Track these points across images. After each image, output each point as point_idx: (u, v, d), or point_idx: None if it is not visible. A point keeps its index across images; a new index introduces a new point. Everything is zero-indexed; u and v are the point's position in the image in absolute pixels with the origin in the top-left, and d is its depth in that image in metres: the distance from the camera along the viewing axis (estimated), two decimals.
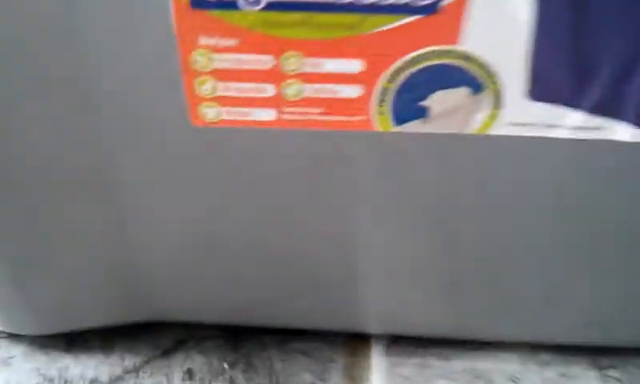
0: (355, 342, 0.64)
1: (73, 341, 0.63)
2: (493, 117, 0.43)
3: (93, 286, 0.58)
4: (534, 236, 0.53)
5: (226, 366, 0.60)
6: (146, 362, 0.60)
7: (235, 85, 0.42)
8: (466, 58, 0.40)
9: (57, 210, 0.52)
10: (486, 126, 0.44)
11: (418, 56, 0.40)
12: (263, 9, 0.38)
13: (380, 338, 0.65)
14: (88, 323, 0.61)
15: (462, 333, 0.63)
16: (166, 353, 0.62)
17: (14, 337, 0.64)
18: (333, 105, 0.43)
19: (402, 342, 0.64)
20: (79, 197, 0.51)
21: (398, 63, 0.41)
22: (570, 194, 0.48)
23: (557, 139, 0.44)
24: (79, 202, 0.51)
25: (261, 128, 0.44)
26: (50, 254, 0.56)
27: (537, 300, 0.58)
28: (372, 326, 0.64)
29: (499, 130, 0.44)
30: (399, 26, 0.39)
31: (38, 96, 0.44)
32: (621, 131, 0.43)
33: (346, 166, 0.49)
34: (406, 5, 0.38)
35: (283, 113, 0.43)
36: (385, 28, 0.39)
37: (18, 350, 0.64)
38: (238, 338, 0.64)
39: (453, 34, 0.39)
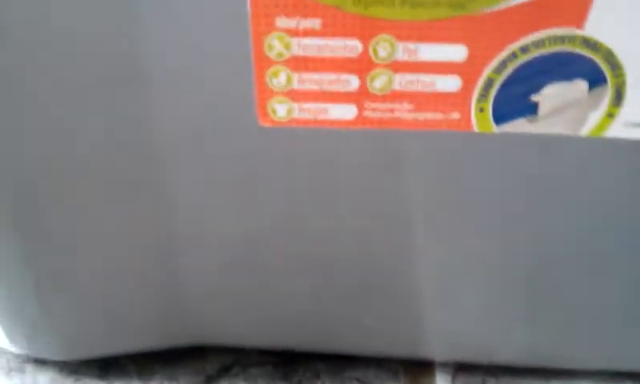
0: (417, 370, 0.59)
1: (107, 366, 0.58)
2: (611, 116, 0.36)
3: (128, 306, 0.53)
4: (616, 253, 0.47)
5: None
6: None
7: (314, 76, 0.35)
8: (591, 45, 0.33)
9: (92, 216, 0.46)
10: (602, 126, 0.37)
11: (535, 41, 0.33)
12: None
13: (445, 365, 0.59)
14: (123, 348, 0.55)
15: (537, 360, 0.57)
16: (210, 380, 0.57)
17: (40, 362, 0.58)
18: (426, 100, 0.36)
19: (469, 370, 0.58)
20: (119, 204, 0.44)
21: (510, 49, 0.34)
22: None
23: None
24: (119, 209, 0.44)
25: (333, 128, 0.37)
26: (80, 270, 0.50)
27: (616, 322, 0.52)
28: (436, 352, 0.58)
29: (617, 131, 0.37)
30: (516, 5, 0.32)
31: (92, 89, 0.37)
32: None
33: (417, 170, 0.43)
34: None
35: (366, 109, 0.36)
36: (498, 7, 0.32)
37: (45, 377, 0.58)
38: (288, 364, 0.58)
39: (579, 15, 0.33)
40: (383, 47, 0.35)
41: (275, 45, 0.35)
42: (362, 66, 0.36)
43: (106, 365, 0.58)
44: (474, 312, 0.52)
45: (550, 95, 0.36)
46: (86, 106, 0.39)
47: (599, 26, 0.34)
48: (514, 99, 0.37)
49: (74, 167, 0.43)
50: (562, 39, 0.34)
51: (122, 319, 0.53)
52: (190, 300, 0.52)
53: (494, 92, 0.36)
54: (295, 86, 0.36)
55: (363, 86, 0.36)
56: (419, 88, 0.36)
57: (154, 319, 0.54)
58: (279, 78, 0.36)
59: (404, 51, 0.35)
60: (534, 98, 0.37)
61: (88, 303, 0.52)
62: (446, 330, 0.54)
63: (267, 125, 0.38)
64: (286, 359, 0.59)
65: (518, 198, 0.43)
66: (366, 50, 0.35)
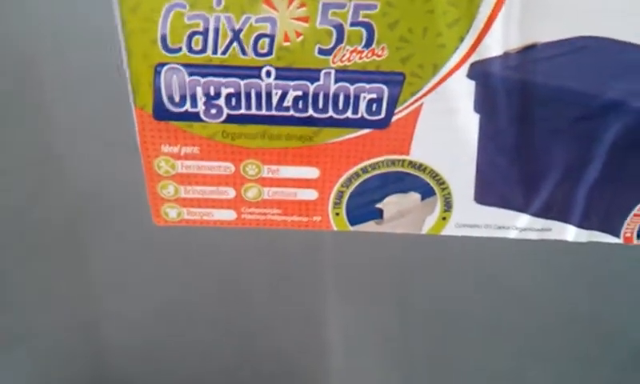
0: None
1: None
2: (443, 219, 0.45)
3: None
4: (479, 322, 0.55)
5: None
6: None
7: (197, 188, 0.44)
8: (417, 166, 0.43)
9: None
10: (438, 227, 0.46)
11: (371, 164, 0.42)
12: (223, 121, 0.40)
13: None
14: None
15: None
16: None
17: None
18: (291, 206, 0.45)
19: None
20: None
21: (353, 170, 0.43)
22: (514, 286, 0.50)
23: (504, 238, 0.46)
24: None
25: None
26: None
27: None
28: None
29: (450, 231, 0.46)
30: (353, 138, 0.41)
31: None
32: (565, 232, 0.46)
33: (307, 256, 0.50)
34: (359, 119, 0.40)
35: (243, 213, 0.45)
36: (339, 139, 0.41)
37: None
38: None
39: (404, 146, 0.42)
40: (251, 168, 0.44)
41: (162, 165, 0.43)
42: (235, 181, 0.44)
43: None
44: (366, 367, 0.60)
45: (390, 204, 0.46)
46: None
47: (422, 152, 0.43)
48: (363, 206, 0.46)
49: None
50: (393, 162, 0.43)
51: None
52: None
53: (345, 201, 0.45)
54: (182, 195, 0.45)
55: (239, 195, 0.45)
56: (284, 197, 0.45)
57: None
58: (168, 189, 0.45)
59: (268, 171, 0.44)
60: (378, 205, 0.46)
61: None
62: None
63: (161, 224, 0.47)
64: None
65: (397, 276, 0.52)
66: (237, 170, 0.44)
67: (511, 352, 0.56)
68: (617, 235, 0.46)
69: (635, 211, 0.45)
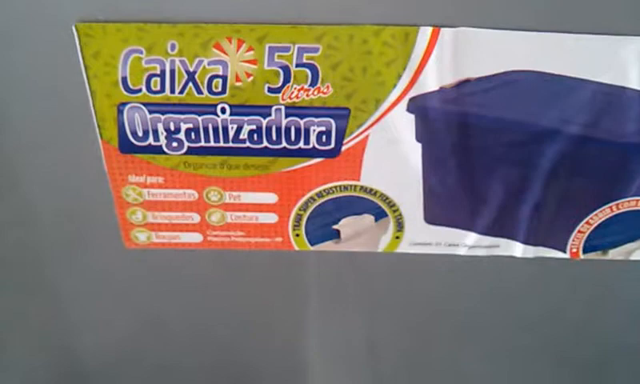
0: None
1: None
2: (397, 238, 0.49)
3: None
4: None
5: None
6: None
7: (164, 214, 0.47)
8: (368, 191, 0.46)
9: None
10: (392, 245, 0.49)
11: (325, 189, 0.46)
12: (185, 153, 0.44)
13: None
14: None
15: None
16: None
17: None
18: (254, 229, 0.48)
19: None
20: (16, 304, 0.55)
21: (308, 195, 0.46)
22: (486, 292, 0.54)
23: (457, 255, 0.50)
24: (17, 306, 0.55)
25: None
26: None
27: None
28: None
29: (404, 248, 0.49)
30: (307, 166, 0.45)
31: None
32: (513, 248, 0.49)
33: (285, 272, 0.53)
34: (311, 149, 0.44)
35: (209, 236, 0.49)
36: (294, 168, 0.45)
37: None
38: None
39: (354, 172, 0.45)
40: (214, 194, 0.47)
41: (130, 193, 0.47)
42: (199, 207, 0.48)
43: None
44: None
45: (346, 225, 0.49)
46: None
47: (372, 178, 0.46)
48: (321, 228, 0.49)
49: None
50: (345, 188, 0.47)
51: None
52: None
53: (303, 223, 0.49)
54: (150, 220, 0.49)
55: (203, 220, 0.49)
56: (246, 221, 0.49)
57: None
58: (137, 215, 0.48)
59: (230, 197, 0.47)
60: (335, 226, 0.49)
61: None
62: None
63: (132, 247, 0.50)
64: None
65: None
66: (201, 196, 0.47)
67: (483, 356, 0.59)
68: (563, 250, 0.49)
69: (579, 228, 0.48)
